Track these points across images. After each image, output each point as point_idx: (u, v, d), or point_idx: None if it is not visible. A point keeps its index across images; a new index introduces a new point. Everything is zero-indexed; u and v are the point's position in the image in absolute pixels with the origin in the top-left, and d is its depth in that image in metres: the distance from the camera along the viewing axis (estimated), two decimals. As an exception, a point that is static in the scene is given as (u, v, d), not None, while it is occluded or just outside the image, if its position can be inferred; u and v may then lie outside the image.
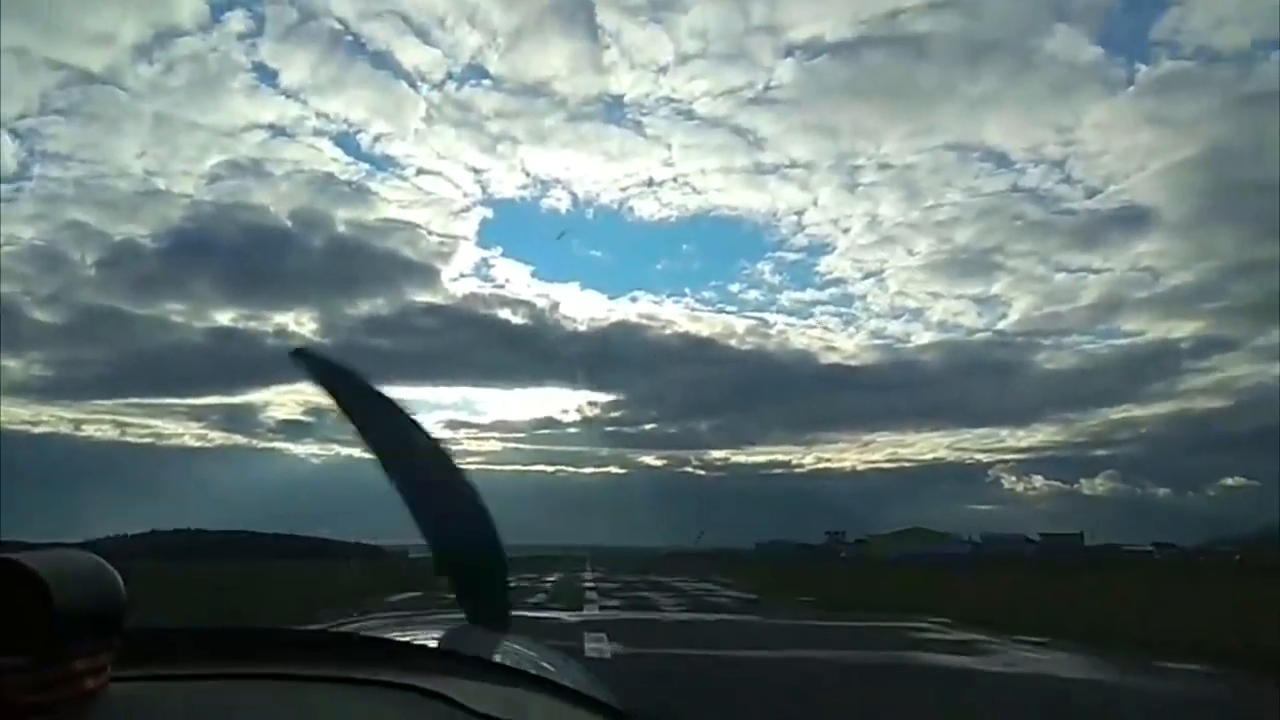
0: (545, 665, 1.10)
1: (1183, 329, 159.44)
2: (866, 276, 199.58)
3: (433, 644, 1.09)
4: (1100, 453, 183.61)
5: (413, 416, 1.25)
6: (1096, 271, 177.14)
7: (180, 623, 1.14)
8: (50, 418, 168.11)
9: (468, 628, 1.28)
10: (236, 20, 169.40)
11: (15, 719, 0.64)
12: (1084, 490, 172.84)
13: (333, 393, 1.23)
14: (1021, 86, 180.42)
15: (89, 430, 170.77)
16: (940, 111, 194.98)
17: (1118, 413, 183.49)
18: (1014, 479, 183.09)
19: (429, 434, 1.27)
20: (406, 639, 1.05)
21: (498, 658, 1.07)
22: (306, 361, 1.23)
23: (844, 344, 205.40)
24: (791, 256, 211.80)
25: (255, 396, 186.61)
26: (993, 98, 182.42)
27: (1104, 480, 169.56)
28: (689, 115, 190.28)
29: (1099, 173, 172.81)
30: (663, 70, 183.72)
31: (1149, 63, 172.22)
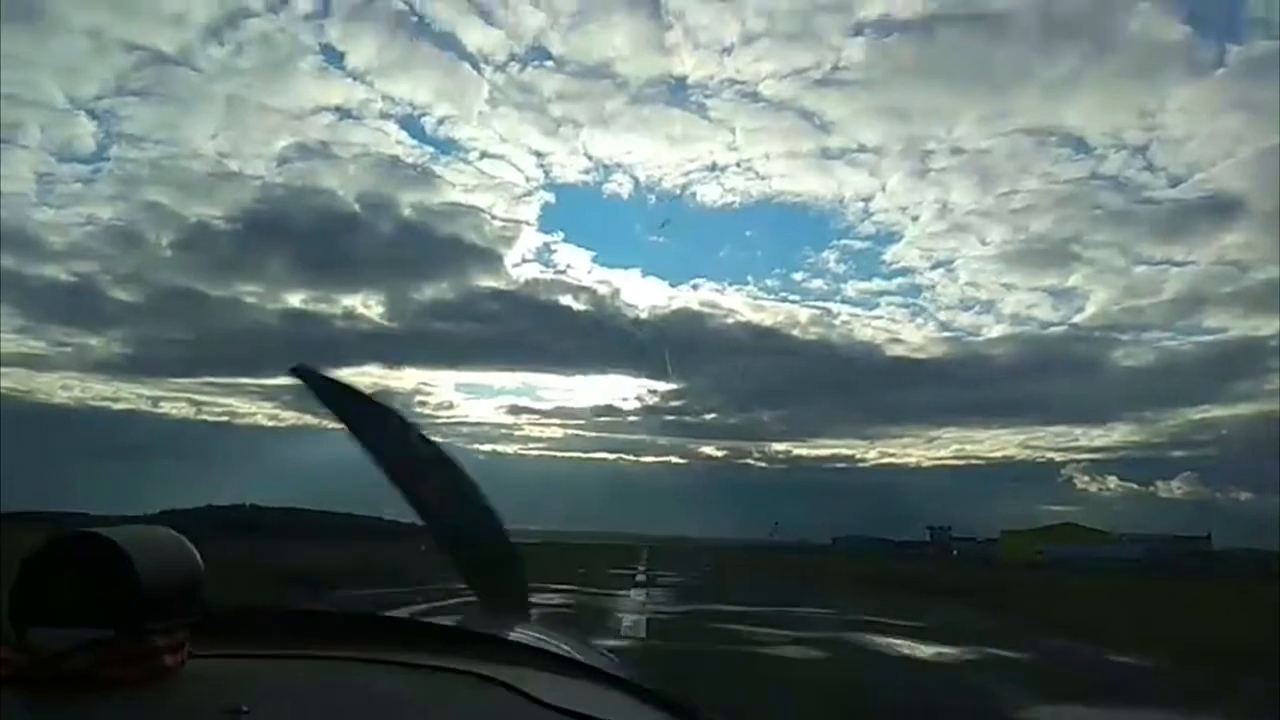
0: (591, 655, 1.19)
1: (1270, 326, 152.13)
2: (935, 266, 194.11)
3: (490, 633, 1.14)
4: (1179, 454, 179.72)
5: (407, 420, 1.36)
6: (1179, 264, 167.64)
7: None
8: (130, 395, 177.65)
9: (510, 618, 1.32)
10: (304, 1, 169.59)
11: (95, 691, 0.67)
12: (1160, 493, 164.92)
13: (333, 406, 1.32)
14: (1102, 67, 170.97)
15: (166, 408, 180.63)
16: (1016, 94, 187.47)
17: (1198, 413, 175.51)
18: (1087, 479, 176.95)
19: (428, 438, 1.38)
20: (467, 628, 1.14)
21: (550, 648, 1.13)
22: (305, 377, 1.33)
23: (911, 336, 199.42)
24: (858, 245, 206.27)
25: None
26: (1072, 79, 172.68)
27: (1182, 482, 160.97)
28: (754, 98, 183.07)
29: (1183, 160, 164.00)
30: (727, 51, 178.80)
31: (1240, 42, 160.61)
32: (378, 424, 1.34)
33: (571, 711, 0.77)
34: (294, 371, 1.32)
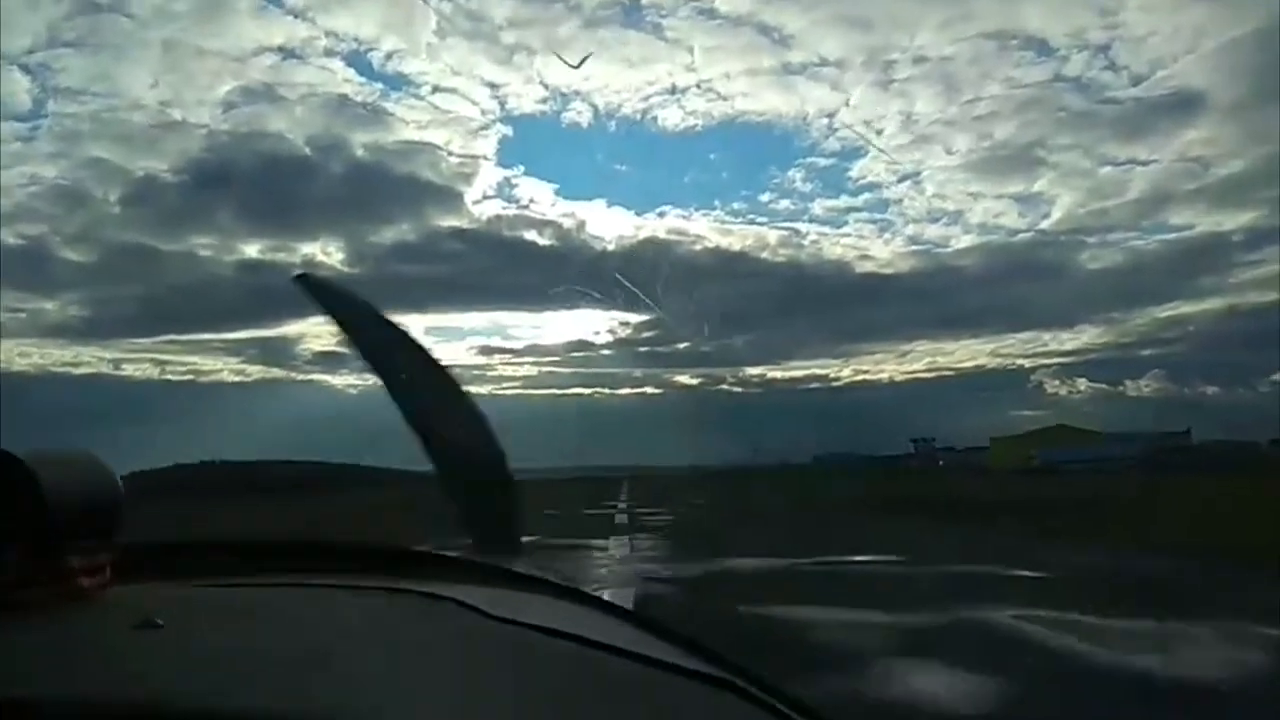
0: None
1: (1234, 220, 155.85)
2: (902, 180, 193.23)
3: (435, 552, 1.12)
4: (1148, 352, 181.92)
5: (415, 340, 1.32)
6: (1143, 164, 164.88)
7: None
8: (91, 358, 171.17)
9: (479, 547, 1.30)
10: None
11: (7, 612, 0.66)
12: (1130, 391, 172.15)
13: (337, 319, 1.30)
14: None
15: (129, 369, 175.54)
16: None
17: (1165, 311, 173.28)
18: (1058, 383, 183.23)
19: (435, 359, 1.34)
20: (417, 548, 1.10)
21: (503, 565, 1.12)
22: (310, 288, 1.31)
23: (879, 252, 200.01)
24: (823, 162, 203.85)
25: (290, 329, 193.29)
26: None
27: (1150, 380, 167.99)
28: (711, 14, 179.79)
29: (1145, 57, 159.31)
30: None
31: None
32: (383, 340, 1.31)
33: (525, 624, 0.76)
34: (297, 279, 1.32)
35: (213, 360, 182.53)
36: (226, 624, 0.73)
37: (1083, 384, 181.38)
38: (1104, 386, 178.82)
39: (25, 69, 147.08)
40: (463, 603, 0.80)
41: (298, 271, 1.31)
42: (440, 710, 0.58)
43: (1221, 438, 78.94)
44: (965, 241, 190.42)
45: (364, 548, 1.08)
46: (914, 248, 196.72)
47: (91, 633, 0.67)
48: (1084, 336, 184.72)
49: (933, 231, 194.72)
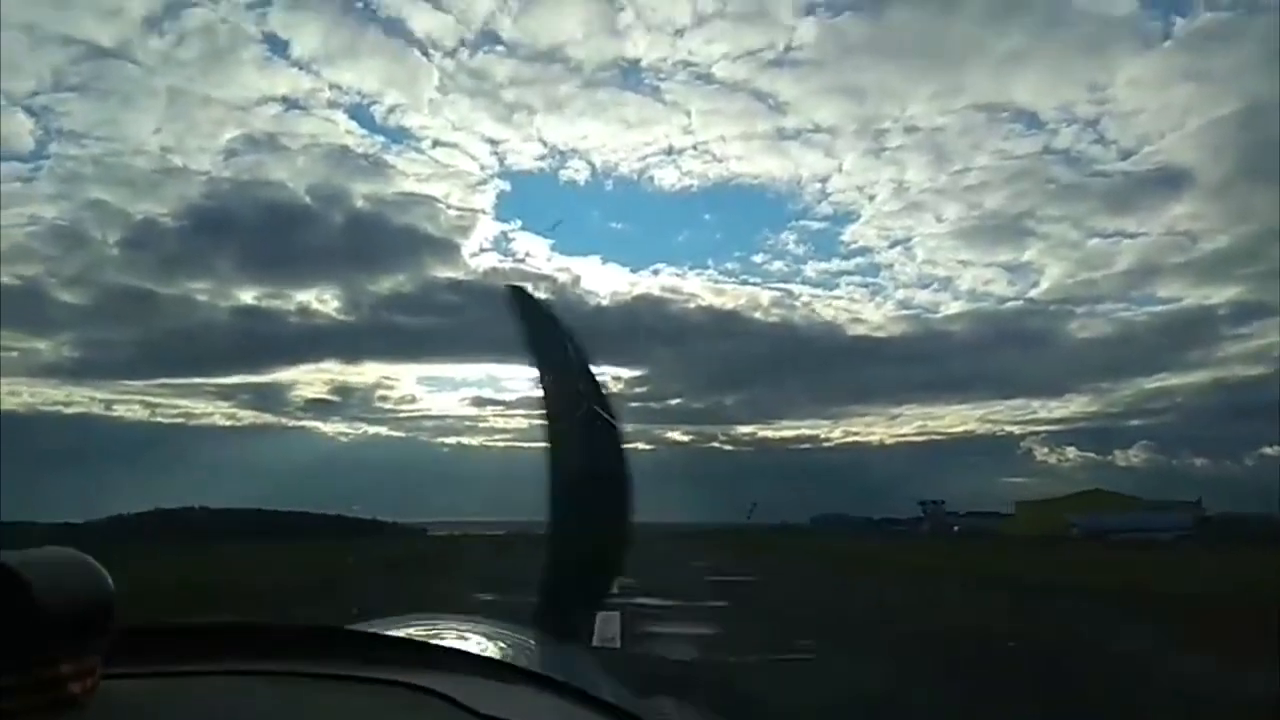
0: (564, 666, 1.14)
1: (1220, 295, 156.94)
2: (893, 245, 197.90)
3: (442, 642, 1.11)
4: (1135, 423, 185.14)
5: (605, 394, 1.29)
6: (1131, 236, 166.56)
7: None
8: (82, 398, 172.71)
9: (485, 627, 1.29)
10: None
11: None
12: (1119, 461, 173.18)
13: (533, 341, 1.29)
14: (1052, 42, 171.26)
15: (120, 411, 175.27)
16: (967, 70, 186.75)
17: (1153, 382, 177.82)
18: (1046, 450, 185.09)
19: (614, 416, 1.30)
20: (414, 636, 1.09)
21: (510, 656, 1.10)
22: (519, 300, 1.33)
23: (870, 315, 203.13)
24: (815, 225, 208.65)
25: (282, 375, 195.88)
26: (1022, 54, 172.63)
27: (1139, 451, 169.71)
28: (708, 79, 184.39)
29: (1133, 132, 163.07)
30: (679, 32, 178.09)
31: (1185, 15, 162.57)
32: (569, 377, 1.28)
33: None
34: (511, 290, 1.32)
35: (204, 404, 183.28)
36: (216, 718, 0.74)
37: (1071, 452, 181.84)
38: (1093, 455, 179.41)
39: (29, 111, 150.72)
40: (447, 697, 0.80)
41: (511, 284, 1.30)
42: None
43: (1230, 509, 78.09)
44: (955, 308, 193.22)
45: (361, 636, 1.07)
46: (904, 312, 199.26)
47: None
48: (1072, 405, 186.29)
49: (923, 297, 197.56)
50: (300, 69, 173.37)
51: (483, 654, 1.07)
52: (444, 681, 0.84)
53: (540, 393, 1.26)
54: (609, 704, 0.95)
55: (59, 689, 0.69)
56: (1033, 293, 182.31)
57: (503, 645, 1.15)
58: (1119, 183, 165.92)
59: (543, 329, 1.31)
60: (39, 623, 0.66)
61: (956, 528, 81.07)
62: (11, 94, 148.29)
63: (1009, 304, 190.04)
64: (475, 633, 1.23)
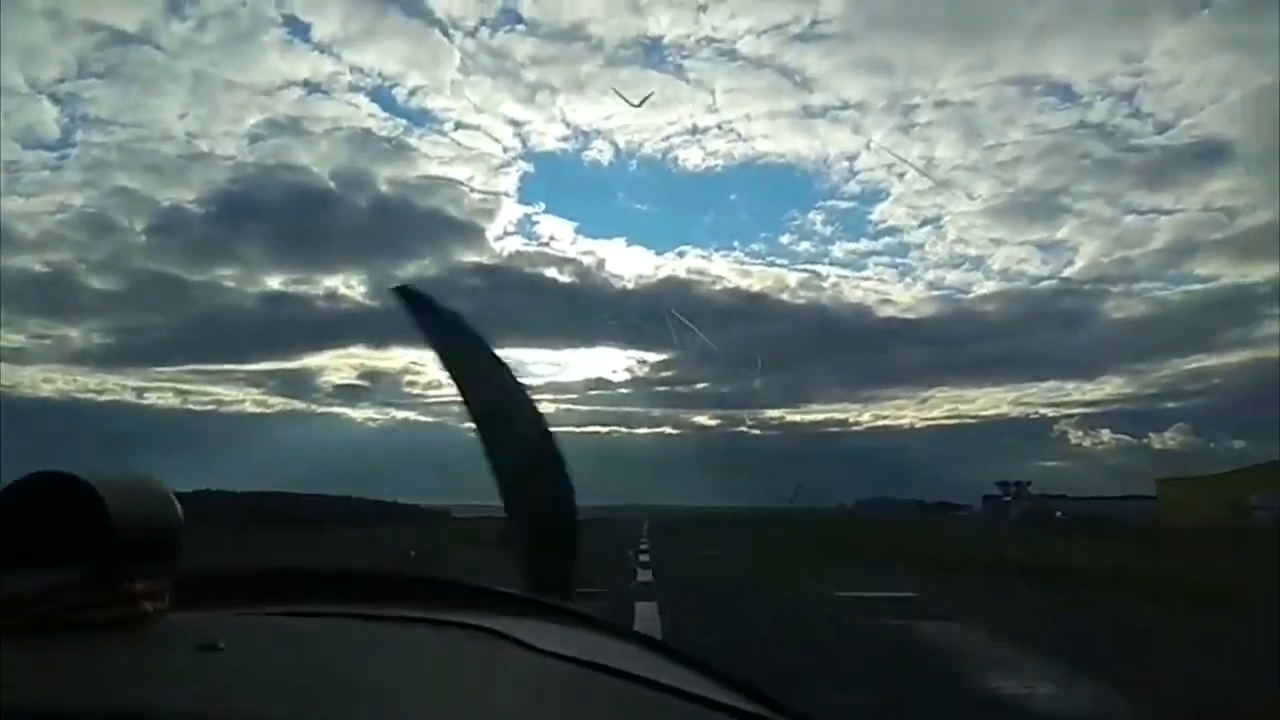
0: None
1: (1260, 273, 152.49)
2: (923, 224, 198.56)
3: (482, 585, 1.18)
4: (1171, 405, 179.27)
5: (511, 372, 1.37)
6: (1168, 213, 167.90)
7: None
8: (115, 385, 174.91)
9: (532, 584, 1.36)
10: None
11: (70, 634, 0.70)
12: (1154, 444, 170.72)
13: (432, 336, 1.34)
14: (1086, 12, 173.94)
15: (152, 398, 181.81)
16: (999, 43, 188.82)
17: (1190, 363, 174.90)
18: (1080, 434, 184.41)
19: (525, 390, 1.37)
20: (460, 581, 1.16)
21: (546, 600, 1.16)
22: (408, 300, 1.35)
23: (900, 296, 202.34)
24: (843, 205, 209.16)
25: (310, 361, 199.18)
26: (1055, 26, 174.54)
27: (1175, 433, 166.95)
28: (732, 56, 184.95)
29: (1171, 105, 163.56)
30: (702, 8, 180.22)
31: None
32: (476, 363, 1.36)
33: (567, 657, 0.81)
34: (397, 291, 1.35)
35: (235, 390, 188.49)
36: (282, 650, 0.78)
37: (1106, 435, 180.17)
38: (1127, 438, 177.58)
39: (55, 98, 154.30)
40: (506, 635, 0.85)
41: (395, 284, 1.36)
42: None
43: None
44: (987, 288, 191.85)
45: (413, 578, 1.12)
46: (935, 293, 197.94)
47: (154, 654, 0.72)
48: (1107, 387, 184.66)
49: (954, 277, 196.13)
50: (322, 52, 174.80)
51: (537, 598, 1.13)
52: (501, 621, 0.89)
53: (455, 388, 1.34)
54: (660, 642, 1.01)
55: (131, 605, 0.73)
56: (1067, 271, 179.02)
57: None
58: (1155, 157, 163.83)
59: (441, 324, 1.35)
60: (113, 539, 0.70)
61: (1060, 513, 64.22)
62: (37, 82, 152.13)
63: (1043, 283, 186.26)
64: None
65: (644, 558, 20.18)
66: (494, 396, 1.33)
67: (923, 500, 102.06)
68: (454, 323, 1.33)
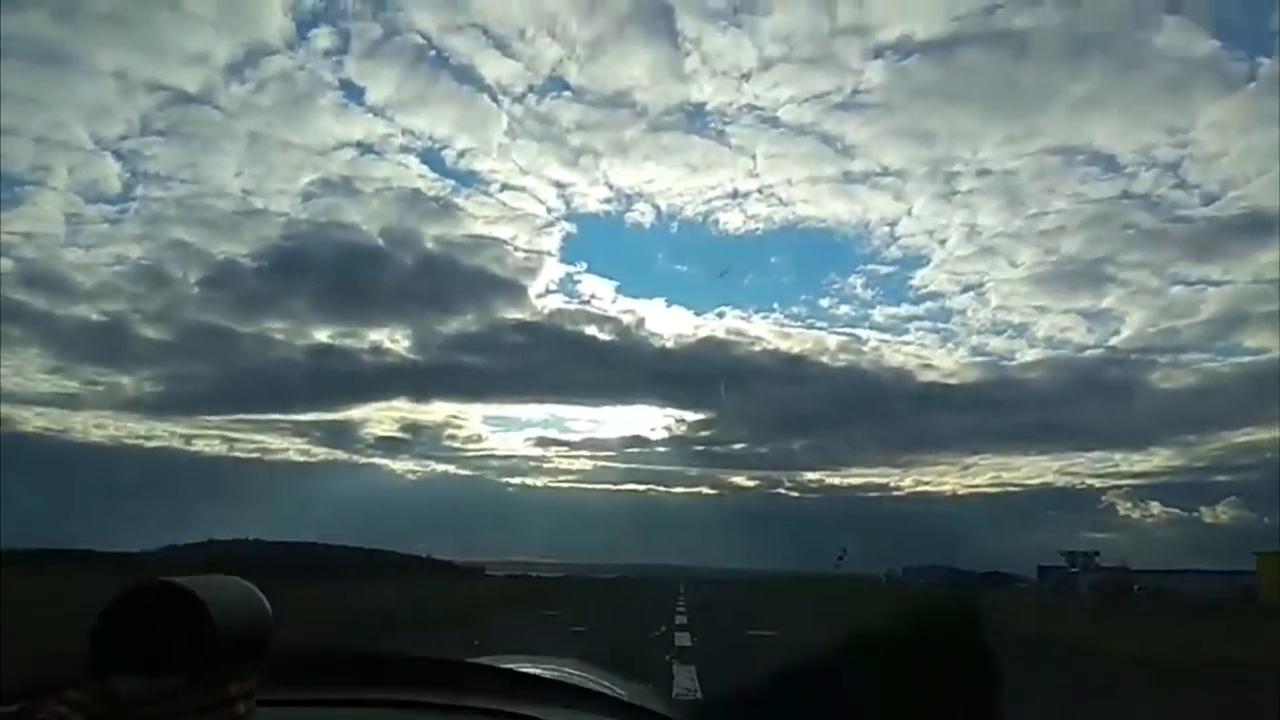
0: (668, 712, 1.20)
1: None
2: (965, 290, 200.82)
3: (551, 678, 1.20)
4: (1222, 478, 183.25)
5: None
6: (1216, 284, 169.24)
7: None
8: (163, 433, 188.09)
9: (576, 668, 1.40)
10: (322, 37, 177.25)
11: None
12: (1205, 518, 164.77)
13: None
14: (1130, 84, 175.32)
15: (199, 445, 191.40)
16: (1042, 113, 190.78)
17: (1240, 436, 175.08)
18: (1129, 505, 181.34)
19: None
20: (540, 673, 1.19)
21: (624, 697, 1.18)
22: None
23: (942, 361, 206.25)
24: (884, 269, 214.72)
25: (354, 413, 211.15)
26: (1098, 97, 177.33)
27: (1226, 508, 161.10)
28: (774, 123, 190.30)
29: (1217, 177, 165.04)
30: (745, 76, 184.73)
31: (1271, 55, 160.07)
32: None
33: None
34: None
35: (280, 439, 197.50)
36: None
37: (1155, 507, 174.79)
38: (1177, 511, 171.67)
39: (118, 154, 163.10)
40: None
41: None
42: None
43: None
44: (1031, 355, 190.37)
45: (495, 671, 1.16)
46: (977, 359, 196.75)
47: None
48: (1155, 459, 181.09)
49: (997, 343, 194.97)
50: (375, 114, 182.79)
51: (611, 694, 1.16)
52: (558, 715, 0.94)
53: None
54: None
55: (226, 709, 0.77)
56: (1113, 340, 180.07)
57: (595, 685, 1.24)
58: (1202, 228, 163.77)
59: None
60: (213, 644, 0.74)
61: (1140, 588, 59.45)
62: (102, 139, 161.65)
63: (1088, 352, 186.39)
64: (570, 670, 1.36)
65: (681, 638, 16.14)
66: None
67: (970, 570, 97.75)
68: None
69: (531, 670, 1.17)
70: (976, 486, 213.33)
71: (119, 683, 0.74)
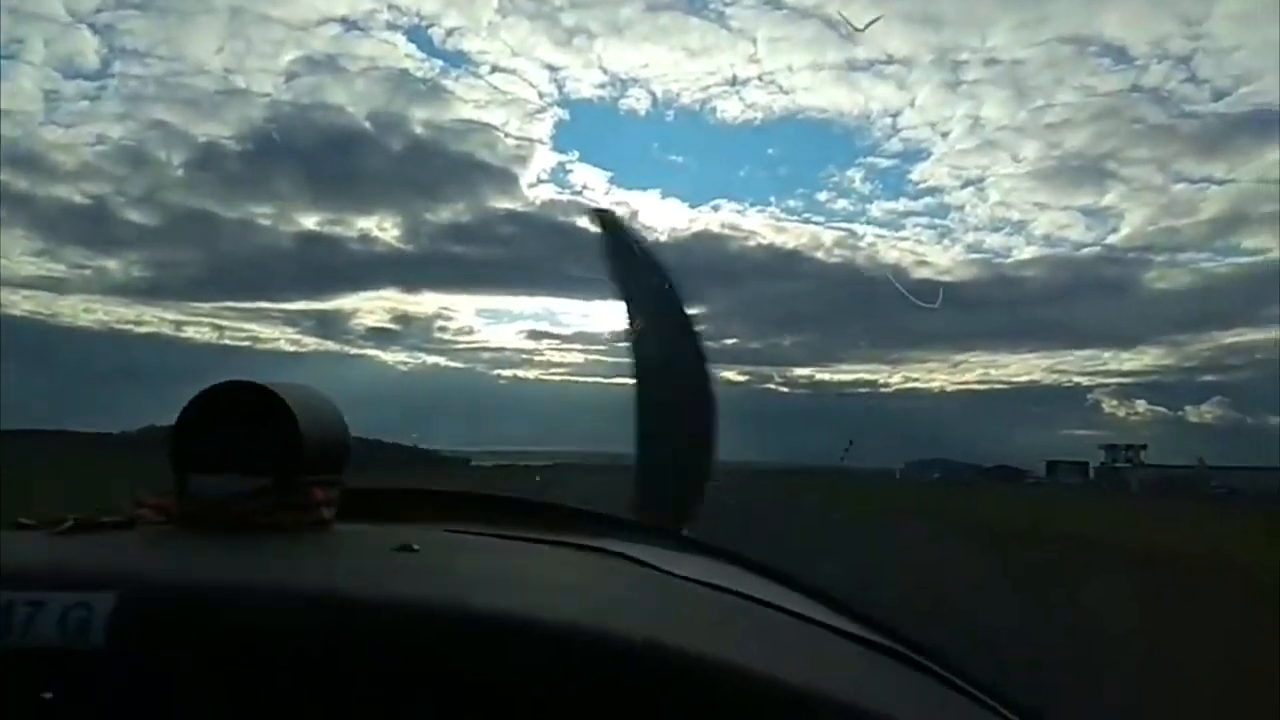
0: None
1: None
2: (965, 185, 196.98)
3: (624, 517, 1.26)
4: (1210, 378, 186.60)
5: (691, 320, 1.43)
6: (1220, 183, 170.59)
7: None
8: (152, 318, 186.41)
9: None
10: None
11: (258, 536, 0.74)
12: (1190, 417, 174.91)
13: (619, 264, 1.40)
14: None
15: (190, 332, 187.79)
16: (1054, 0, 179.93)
17: (1231, 336, 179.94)
18: (1115, 403, 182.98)
19: (699, 338, 1.42)
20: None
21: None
22: (606, 224, 1.42)
23: (938, 258, 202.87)
24: (884, 163, 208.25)
25: (344, 303, 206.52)
26: None
27: (1211, 407, 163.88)
28: (776, 5, 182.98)
29: (1229, 71, 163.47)
30: None
31: None
32: (652, 298, 1.40)
33: (700, 581, 0.87)
34: (596, 213, 1.38)
35: (270, 329, 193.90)
36: (456, 558, 0.83)
37: (1141, 405, 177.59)
38: (1163, 410, 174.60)
39: (93, 28, 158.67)
40: (646, 563, 0.91)
41: (594, 206, 1.29)
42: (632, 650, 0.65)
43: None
44: (1028, 253, 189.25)
45: (572, 509, 1.20)
46: (974, 256, 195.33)
47: (351, 554, 0.77)
48: (1145, 358, 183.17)
49: (994, 240, 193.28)
50: None
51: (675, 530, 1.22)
52: (634, 549, 0.97)
53: (625, 320, 1.36)
54: (783, 573, 1.07)
55: (311, 511, 0.79)
56: (1111, 239, 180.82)
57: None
58: (1210, 124, 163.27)
59: (631, 254, 1.38)
60: (296, 445, 0.76)
61: (1217, 485, 54.78)
62: (76, 11, 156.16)
63: (1085, 250, 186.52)
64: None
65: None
66: (662, 333, 1.38)
67: (978, 464, 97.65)
68: (645, 255, 1.39)
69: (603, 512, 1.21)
70: (965, 384, 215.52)
71: (200, 482, 0.75)
